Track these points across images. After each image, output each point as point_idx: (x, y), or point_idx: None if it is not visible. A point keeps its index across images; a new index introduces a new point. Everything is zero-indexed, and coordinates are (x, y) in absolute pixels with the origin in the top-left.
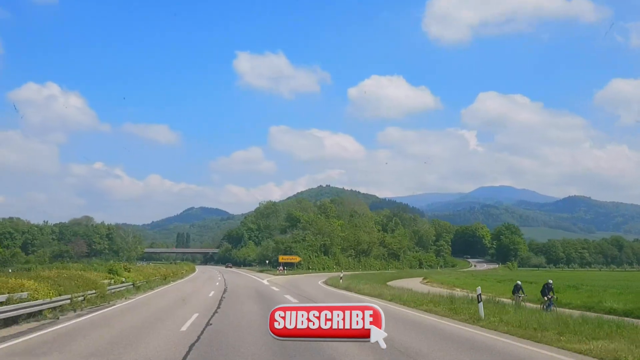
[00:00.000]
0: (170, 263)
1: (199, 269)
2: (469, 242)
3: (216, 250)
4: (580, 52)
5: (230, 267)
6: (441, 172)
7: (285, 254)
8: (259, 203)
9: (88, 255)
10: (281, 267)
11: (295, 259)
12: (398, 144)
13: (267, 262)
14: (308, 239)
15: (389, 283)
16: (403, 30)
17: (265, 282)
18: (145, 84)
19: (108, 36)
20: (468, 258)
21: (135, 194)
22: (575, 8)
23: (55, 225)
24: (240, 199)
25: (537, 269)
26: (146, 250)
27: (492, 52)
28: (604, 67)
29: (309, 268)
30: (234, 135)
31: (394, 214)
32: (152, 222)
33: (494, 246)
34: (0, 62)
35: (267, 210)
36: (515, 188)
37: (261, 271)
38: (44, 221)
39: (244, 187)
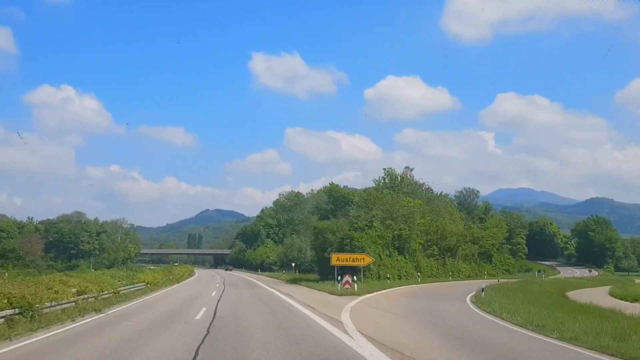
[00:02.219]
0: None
1: (197, 274)
2: (536, 240)
3: (228, 251)
4: (602, 50)
5: (230, 269)
6: (459, 174)
7: (340, 250)
8: (279, 194)
9: (74, 257)
10: (348, 277)
11: (364, 259)
12: (415, 145)
13: (293, 264)
14: (377, 226)
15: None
16: (420, 28)
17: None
18: (160, 86)
19: (122, 38)
20: (541, 261)
21: (151, 196)
22: (599, 5)
23: (40, 222)
24: (255, 201)
25: (627, 273)
26: (155, 251)
27: (512, 51)
28: (626, 66)
29: (381, 276)
30: (250, 137)
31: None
32: (167, 224)
33: (573, 245)
34: (16, 63)
35: (289, 202)
36: (535, 190)
37: (293, 280)
38: (28, 217)
39: (259, 189)
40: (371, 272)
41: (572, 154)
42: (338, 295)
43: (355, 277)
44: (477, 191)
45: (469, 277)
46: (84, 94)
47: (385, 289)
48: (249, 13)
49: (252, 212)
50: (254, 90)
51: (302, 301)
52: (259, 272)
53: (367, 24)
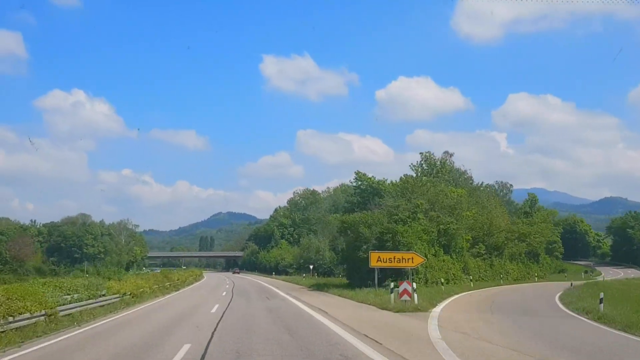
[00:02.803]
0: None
1: (205, 278)
2: (566, 239)
3: (240, 254)
4: (615, 49)
5: (238, 272)
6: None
7: (380, 247)
8: (293, 192)
9: (78, 261)
10: (407, 284)
11: (413, 259)
12: (427, 146)
13: (311, 267)
14: (421, 218)
15: None
16: (431, 28)
17: None
18: (172, 89)
19: (132, 41)
20: (574, 261)
21: (163, 200)
22: (611, 3)
23: (44, 225)
24: (268, 204)
25: None
26: (164, 254)
27: (524, 50)
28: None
29: (428, 280)
30: (262, 139)
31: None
32: (179, 227)
33: (606, 244)
34: (26, 68)
35: (304, 201)
36: (548, 190)
37: (317, 287)
38: (31, 220)
39: (271, 192)
40: (419, 276)
41: (585, 153)
42: (395, 312)
43: (414, 284)
44: (511, 185)
45: (517, 280)
46: (95, 98)
47: (447, 299)
48: (260, 15)
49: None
50: (265, 93)
51: (349, 325)
52: (273, 275)
53: (378, 25)
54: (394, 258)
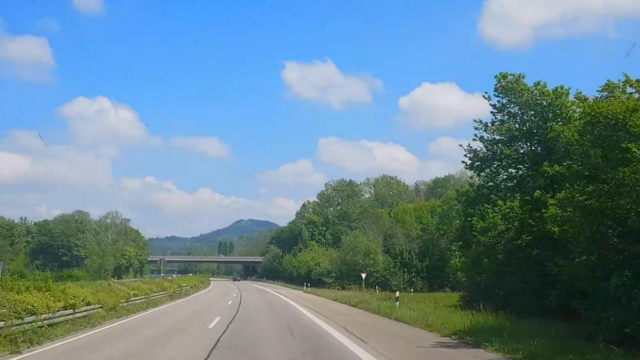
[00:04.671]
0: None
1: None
2: None
3: (259, 259)
4: None
5: (239, 280)
6: None
7: None
8: (325, 184)
9: (67, 264)
10: None
11: None
12: (451, 154)
13: (363, 275)
14: None
15: None
16: (458, 33)
17: None
18: (194, 97)
19: (155, 48)
20: None
21: (186, 207)
22: None
23: (36, 223)
24: (289, 211)
25: None
26: (183, 259)
27: (554, 55)
28: None
29: None
30: (283, 147)
31: None
32: (201, 234)
33: None
34: (52, 75)
35: (338, 194)
36: None
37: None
38: (21, 218)
39: (293, 199)
40: None
41: None
42: None
43: None
44: None
45: None
46: (118, 104)
47: None
48: (282, 21)
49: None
50: (287, 100)
51: None
52: (308, 289)
53: (403, 30)
54: None
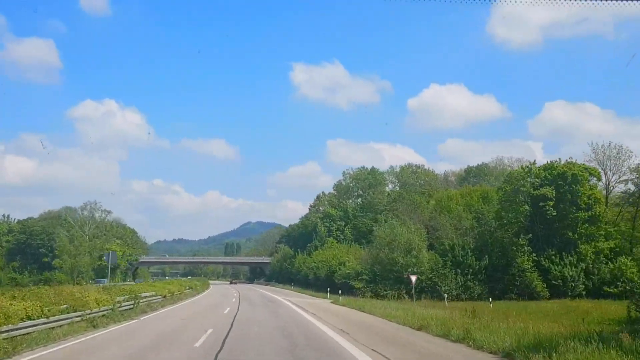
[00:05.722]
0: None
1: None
2: None
3: (267, 260)
4: None
5: (235, 283)
6: None
7: None
8: (342, 172)
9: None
10: None
11: None
12: (460, 155)
13: (413, 279)
14: None
15: None
16: (466, 33)
17: None
18: (201, 99)
19: (161, 50)
20: None
21: (193, 210)
22: None
23: (19, 221)
24: (297, 213)
25: None
26: (182, 260)
27: (563, 55)
28: None
29: None
30: (291, 148)
31: None
32: (209, 237)
33: None
34: (59, 77)
35: (358, 184)
36: None
37: None
38: (3, 215)
39: (300, 201)
40: None
41: None
42: None
43: None
44: None
45: None
46: (125, 107)
47: None
48: (289, 22)
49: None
50: (295, 101)
51: None
52: (340, 299)
53: (411, 30)
54: None
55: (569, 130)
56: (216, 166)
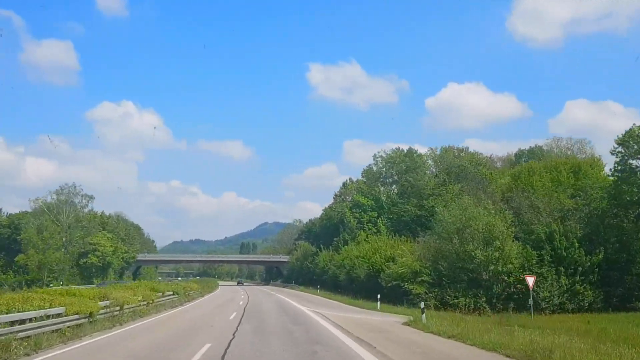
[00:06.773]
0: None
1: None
2: None
3: (285, 258)
4: None
5: (242, 284)
6: None
7: None
8: (373, 155)
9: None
10: None
11: None
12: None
13: (530, 281)
14: None
15: None
16: (486, 31)
17: None
18: (218, 100)
19: (178, 51)
20: None
21: (210, 211)
22: None
23: (9, 216)
24: (314, 214)
25: None
26: (201, 258)
27: (585, 52)
28: None
29: None
30: (308, 150)
31: None
32: (225, 237)
33: None
34: (77, 79)
35: (394, 167)
36: None
37: None
38: None
39: (318, 203)
40: None
41: None
42: None
43: None
44: None
45: None
46: (143, 109)
47: None
48: (306, 22)
49: None
50: (312, 102)
51: None
52: (424, 311)
53: (430, 29)
54: None
55: (591, 130)
56: (233, 167)
